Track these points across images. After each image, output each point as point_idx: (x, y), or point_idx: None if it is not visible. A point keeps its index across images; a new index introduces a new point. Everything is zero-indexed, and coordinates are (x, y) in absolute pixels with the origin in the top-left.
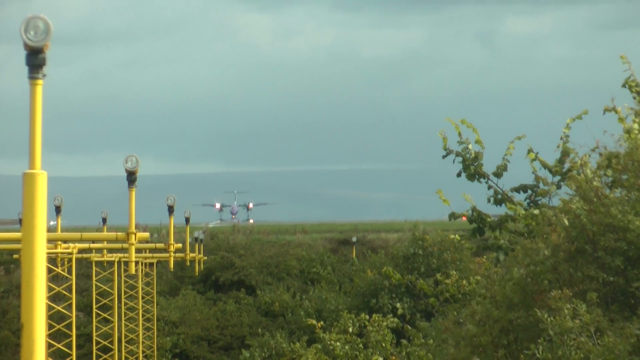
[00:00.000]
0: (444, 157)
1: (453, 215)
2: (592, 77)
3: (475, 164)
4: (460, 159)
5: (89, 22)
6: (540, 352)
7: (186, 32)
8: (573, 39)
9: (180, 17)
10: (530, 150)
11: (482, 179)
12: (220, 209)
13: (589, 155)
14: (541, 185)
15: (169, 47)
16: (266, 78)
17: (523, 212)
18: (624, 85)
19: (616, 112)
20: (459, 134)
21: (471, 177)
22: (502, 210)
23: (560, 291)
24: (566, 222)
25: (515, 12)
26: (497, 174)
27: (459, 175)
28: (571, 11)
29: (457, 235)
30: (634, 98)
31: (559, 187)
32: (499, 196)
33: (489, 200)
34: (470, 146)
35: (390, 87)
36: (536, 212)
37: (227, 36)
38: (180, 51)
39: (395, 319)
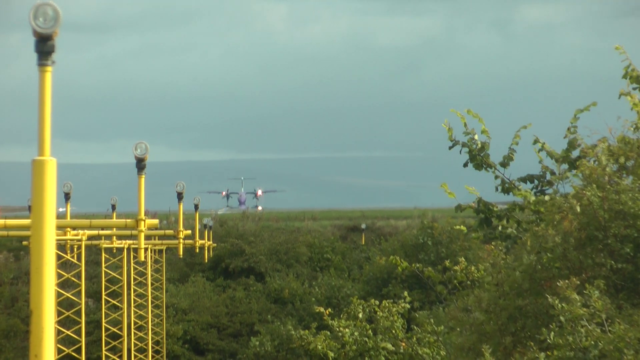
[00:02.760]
0: (450, 148)
1: (459, 207)
2: (606, 65)
3: (481, 154)
4: (467, 149)
5: (104, 10)
6: (552, 338)
7: (201, 20)
8: (587, 27)
9: (196, 5)
10: (536, 140)
11: (489, 169)
12: (227, 196)
13: (605, 141)
14: (548, 175)
15: (183, 35)
16: (280, 66)
17: (533, 198)
18: (624, 77)
19: (631, 97)
20: (465, 125)
21: (478, 166)
22: (508, 199)
23: (567, 280)
24: (578, 208)
25: (530, 0)
26: (504, 164)
27: (465, 165)
28: None
29: (462, 226)
30: (634, 89)
31: (566, 176)
32: (506, 185)
33: (496, 189)
34: (476, 137)
35: (405, 74)
36: (547, 198)
37: (243, 24)
38: (195, 39)
39: (406, 304)
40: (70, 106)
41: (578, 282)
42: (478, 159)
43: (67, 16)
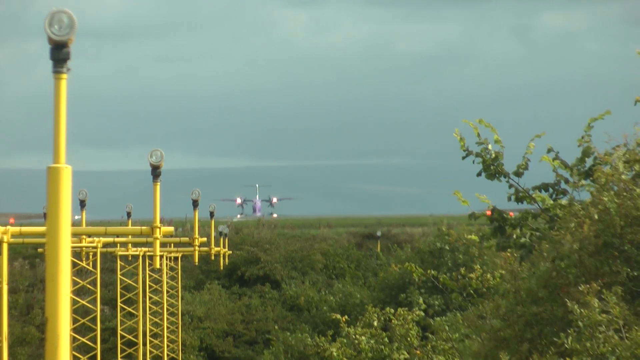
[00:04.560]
0: (463, 158)
1: (473, 216)
2: (625, 72)
3: (495, 164)
4: (480, 159)
5: (124, 17)
6: (569, 343)
7: (220, 27)
8: (606, 34)
9: (215, 12)
10: (550, 149)
11: (502, 177)
12: (242, 204)
13: (621, 148)
14: (562, 184)
15: (204, 42)
16: (300, 73)
17: (552, 202)
18: None
19: None
20: (478, 135)
21: (491, 176)
22: (521, 206)
23: (588, 285)
24: (596, 215)
25: (551, 7)
26: (518, 173)
27: (479, 174)
28: (604, 7)
29: (474, 236)
30: None
31: (580, 184)
32: (520, 194)
33: (509, 199)
34: (490, 146)
35: (425, 81)
36: (564, 202)
37: (263, 31)
38: (214, 46)
39: (421, 312)
40: (88, 113)
41: (599, 288)
42: (492, 168)
43: (87, 23)
